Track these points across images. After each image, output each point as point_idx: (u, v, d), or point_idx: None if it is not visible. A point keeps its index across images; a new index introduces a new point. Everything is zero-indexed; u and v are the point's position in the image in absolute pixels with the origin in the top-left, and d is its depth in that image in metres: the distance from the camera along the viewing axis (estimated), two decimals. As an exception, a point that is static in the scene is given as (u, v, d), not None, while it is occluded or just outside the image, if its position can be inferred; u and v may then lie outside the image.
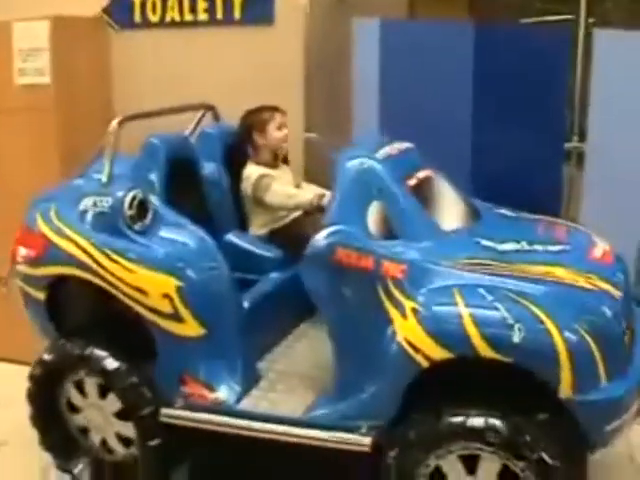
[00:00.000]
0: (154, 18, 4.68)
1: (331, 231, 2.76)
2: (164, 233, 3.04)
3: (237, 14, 4.53)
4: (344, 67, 4.53)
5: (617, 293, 2.73)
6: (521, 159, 4.48)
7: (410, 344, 2.61)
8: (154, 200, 3.11)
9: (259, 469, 3.21)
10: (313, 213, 3.39)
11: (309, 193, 3.43)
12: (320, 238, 2.75)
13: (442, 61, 4.36)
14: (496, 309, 2.55)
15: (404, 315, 2.66)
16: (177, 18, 4.64)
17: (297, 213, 3.55)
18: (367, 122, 4.42)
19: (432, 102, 4.40)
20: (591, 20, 4.84)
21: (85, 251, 3.01)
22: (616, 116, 4.17)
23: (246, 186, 3.54)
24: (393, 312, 2.69)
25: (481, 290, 2.61)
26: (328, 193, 3.35)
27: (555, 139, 4.59)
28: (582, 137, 4.56)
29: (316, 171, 3.98)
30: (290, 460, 3.01)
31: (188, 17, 4.62)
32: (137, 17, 4.70)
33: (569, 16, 4.94)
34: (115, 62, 4.76)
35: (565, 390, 2.51)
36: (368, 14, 4.46)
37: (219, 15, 4.56)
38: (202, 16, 4.60)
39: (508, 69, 4.42)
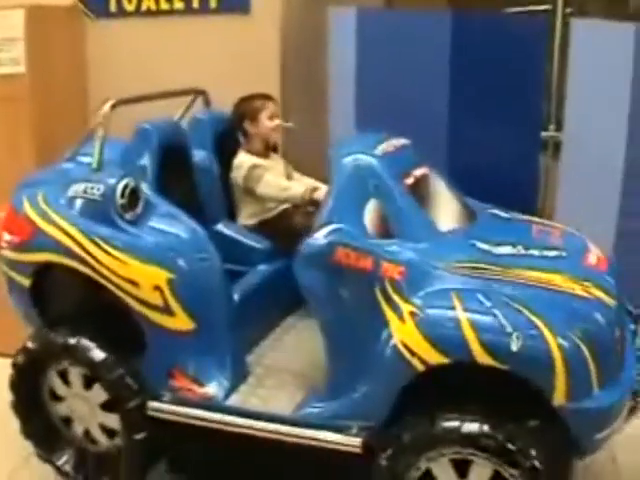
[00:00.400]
0: (130, 7, 4.65)
1: (330, 230, 2.72)
2: (155, 223, 2.98)
3: (213, 3, 4.53)
4: (321, 56, 4.51)
5: (611, 301, 2.73)
6: (498, 149, 4.50)
7: (406, 347, 2.59)
8: (145, 188, 3.04)
9: (242, 464, 3.17)
10: (305, 206, 3.35)
11: (301, 186, 3.39)
12: (319, 237, 2.71)
13: (419, 50, 4.34)
14: (494, 315, 2.53)
15: (401, 318, 2.63)
16: (153, 7, 4.61)
17: (286, 205, 3.50)
18: (344, 111, 4.40)
19: (409, 92, 4.39)
20: (568, 10, 4.86)
21: (74, 239, 2.93)
22: (593, 105, 4.18)
23: (237, 175, 3.49)
24: (390, 314, 2.66)
25: (480, 295, 2.59)
26: (321, 186, 3.32)
27: (532, 128, 4.61)
28: (559, 126, 4.58)
29: (293, 159, 3.93)
30: (276, 456, 2.98)
31: (164, 6, 4.60)
32: (113, 6, 4.66)
33: (547, 6, 4.93)
34: (91, 51, 4.71)
35: (559, 398, 2.51)
36: (345, 3, 4.43)
37: (195, 4, 4.56)
38: (178, 5, 4.58)
39: (485, 58, 4.42)
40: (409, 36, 4.30)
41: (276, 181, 3.46)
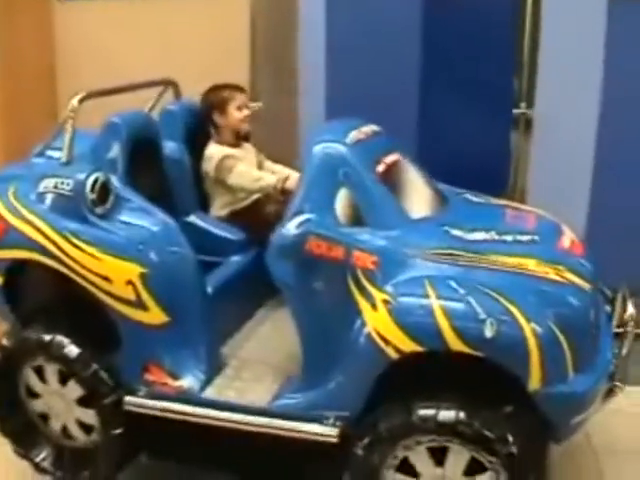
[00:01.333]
0: (98, -12, 4.57)
1: (301, 220, 2.70)
2: (126, 217, 2.96)
3: (182, -15, 4.46)
4: (291, 36, 4.48)
5: (586, 285, 2.73)
6: (468, 126, 4.52)
7: (380, 336, 2.58)
8: (116, 182, 3.01)
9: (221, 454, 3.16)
10: (277, 196, 3.33)
11: (273, 176, 3.38)
12: (290, 227, 2.69)
13: (390, 26, 4.35)
14: (467, 302, 2.53)
15: (374, 306, 2.62)
16: (122, -12, 4.54)
17: (258, 195, 3.48)
18: (314, 90, 4.39)
19: (379, 69, 4.40)
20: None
21: (45, 235, 2.91)
22: (564, 82, 4.20)
23: (208, 167, 3.47)
24: (363, 303, 2.65)
25: (453, 282, 2.58)
26: (292, 176, 3.30)
27: (503, 105, 4.62)
28: (530, 103, 4.58)
29: (261, 140, 3.91)
30: (253, 447, 2.97)
31: (133, -13, 4.53)
32: (80, -13, 4.58)
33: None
34: (58, 33, 4.63)
35: (534, 383, 2.51)
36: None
37: (164, -14, 4.49)
38: (147, -13, 4.52)
39: (456, 33, 4.42)
40: (380, 10, 4.35)
41: (248, 171, 3.44)
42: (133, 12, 4.56)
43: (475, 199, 3.25)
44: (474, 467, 2.61)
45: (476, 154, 4.47)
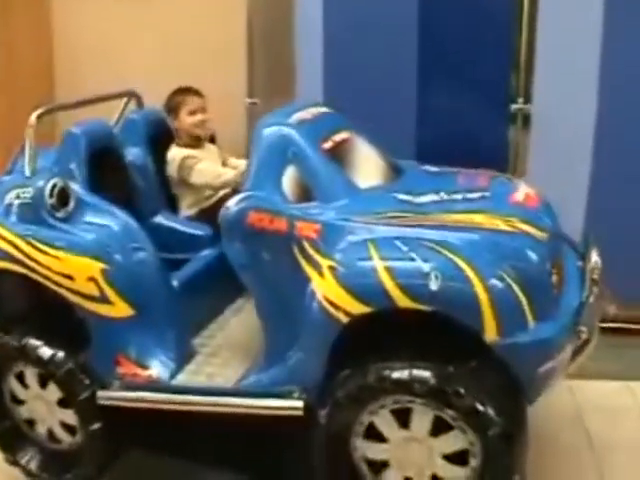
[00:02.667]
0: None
1: (242, 197, 2.75)
2: (87, 218, 3.04)
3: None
4: (288, 31, 4.53)
5: (540, 234, 2.71)
6: (466, 122, 4.50)
7: (329, 301, 2.59)
8: (76, 187, 3.10)
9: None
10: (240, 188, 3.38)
11: (232, 171, 3.43)
12: (231, 205, 2.74)
13: (386, 23, 4.39)
14: (411, 259, 2.53)
15: (321, 274, 2.64)
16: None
17: (225, 190, 3.52)
18: (311, 87, 4.43)
19: (377, 66, 4.44)
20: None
21: (12, 244, 3.00)
22: (562, 77, 4.18)
23: (170, 169, 3.55)
24: (311, 272, 2.67)
25: (396, 242, 2.59)
26: None
27: (500, 101, 4.59)
28: (527, 99, 4.55)
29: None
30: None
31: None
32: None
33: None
34: (56, 29, 4.73)
35: (490, 334, 2.48)
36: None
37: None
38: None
39: (453, 28, 4.43)
40: (376, 4, 4.36)
41: (209, 169, 3.50)
42: (131, 10, 4.60)
43: (432, 169, 3.26)
44: (440, 426, 2.58)
45: (474, 149, 4.46)
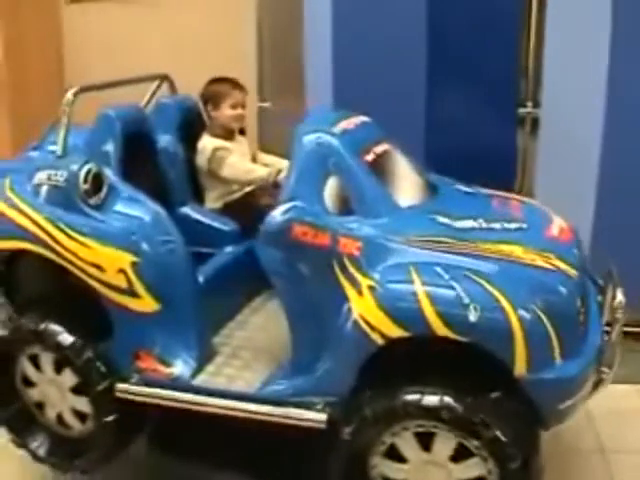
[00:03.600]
0: (105, -11, 4.62)
1: (287, 207, 2.72)
2: (119, 207, 3.00)
3: (189, -16, 4.50)
4: (297, 35, 4.51)
5: (573, 272, 2.74)
6: (474, 126, 4.54)
7: (366, 321, 2.60)
8: (109, 173, 3.06)
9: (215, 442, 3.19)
10: (269, 188, 3.36)
11: (265, 168, 3.40)
12: (276, 215, 2.72)
13: (396, 25, 4.37)
14: (452, 288, 2.54)
15: (360, 292, 2.63)
16: (128, -11, 4.60)
17: (252, 186, 3.51)
18: (321, 88, 4.41)
19: (386, 68, 4.43)
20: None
21: (39, 226, 2.96)
22: (570, 81, 4.20)
23: (200, 159, 3.50)
24: (349, 289, 2.67)
25: (438, 268, 2.60)
26: (285, 169, 3.32)
27: (508, 105, 4.62)
28: (536, 103, 4.58)
29: (270, 140, 3.95)
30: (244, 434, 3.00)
31: (139, -12, 4.59)
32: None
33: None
34: (66, 34, 4.71)
35: (519, 368, 2.52)
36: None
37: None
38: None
39: (462, 31, 4.42)
40: (385, 5, 4.33)
41: (240, 163, 3.46)
42: (141, 13, 4.62)
43: (465, 189, 3.26)
44: (461, 452, 2.61)
45: (482, 153, 4.48)
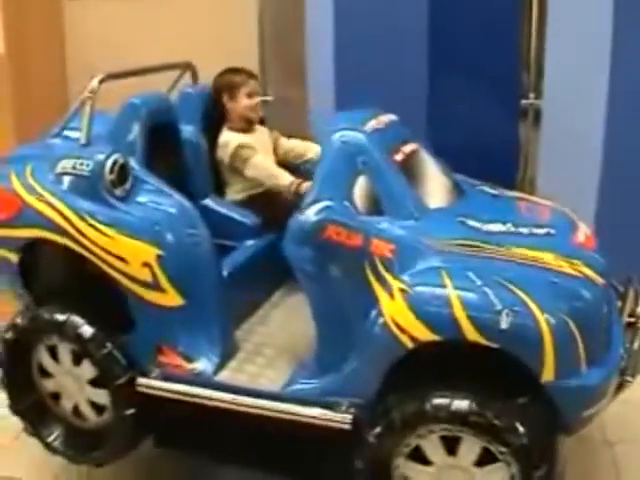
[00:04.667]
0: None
1: (321, 207, 2.70)
2: (144, 199, 2.96)
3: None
4: (299, 27, 4.49)
5: (600, 280, 2.74)
6: (476, 117, 4.53)
7: (396, 324, 2.59)
8: (134, 164, 3.02)
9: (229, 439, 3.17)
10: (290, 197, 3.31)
11: (288, 177, 3.34)
12: (310, 214, 2.69)
13: (397, 17, 4.36)
14: (484, 293, 2.53)
15: (391, 295, 2.62)
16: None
17: None
18: (322, 81, 4.40)
19: (388, 60, 4.44)
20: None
21: (62, 215, 2.92)
22: (572, 72, 4.21)
23: (223, 154, 3.47)
24: (380, 291, 2.65)
25: (470, 273, 2.59)
26: (307, 183, 3.24)
27: (510, 96, 4.62)
28: (538, 94, 4.58)
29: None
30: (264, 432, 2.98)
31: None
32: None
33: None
34: (68, 30, 4.66)
35: (547, 376, 2.52)
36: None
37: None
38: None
39: (463, 23, 4.42)
40: (387, 2, 4.31)
41: (263, 165, 3.42)
42: (143, 10, 4.59)
43: (491, 191, 3.26)
44: (486, 457, 2.61)
45: (484, 145, 4.48)
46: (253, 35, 4.67)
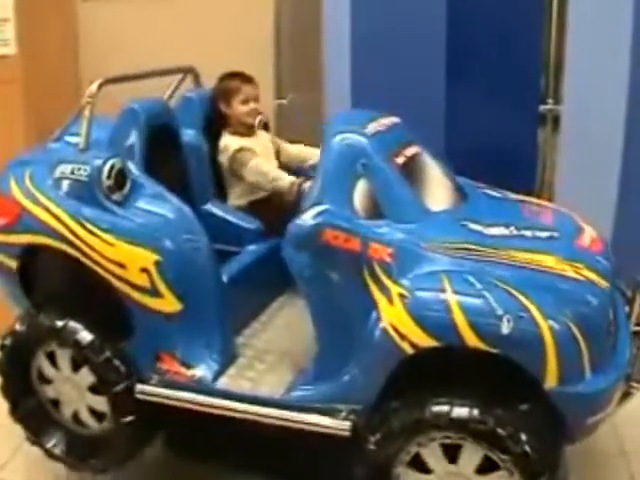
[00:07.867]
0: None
1: (318, 211, 2.66)
2: (142, 204, 2.93)
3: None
4: (315, 30, 4.46)
5: (604, 283, 2.68)
6: (495, 123, 4.48)
7: (395, 330, 2.54)
8: (133, 169, 2.99)
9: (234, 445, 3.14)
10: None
11: (288, 177, 3.29)
12: (307, 218, 2.66)
13: (415, 20, 4.32)
14: (485, 298, 2.48)
15: (390, 300, 2.58)
16: (144, -14, 4.53)
17: None
18: (339, 84, 4.36)
19: (405, 63, 4.39)
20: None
21: (60, 220, 2.90)
22: (592, 78, 4.15)
23: (223, 158, 3.45)
24: (379, 296, 2.61)
25: (470, 277, 2.54)
26: (308, 183, 3.24)
27: (529, 101, 4.58)
28: (557, 100, 4.53)
29: (287, 135, 3.90)
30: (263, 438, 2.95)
31: (155, -16, 4.51)
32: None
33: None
34: (82, 31, 4.67)
35: (550, 382, 2.47)
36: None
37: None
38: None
39: (482, 27, 4.38)
40: (404, 2, 4.26)
41: (262, 169, 3.37)
42: (157, 10, 4.58)
43: (494, 194, 3.21)
44: (487, 465, 2.57)
45: (503, 150, 4.44)
46: (269, 38, 4.64)
